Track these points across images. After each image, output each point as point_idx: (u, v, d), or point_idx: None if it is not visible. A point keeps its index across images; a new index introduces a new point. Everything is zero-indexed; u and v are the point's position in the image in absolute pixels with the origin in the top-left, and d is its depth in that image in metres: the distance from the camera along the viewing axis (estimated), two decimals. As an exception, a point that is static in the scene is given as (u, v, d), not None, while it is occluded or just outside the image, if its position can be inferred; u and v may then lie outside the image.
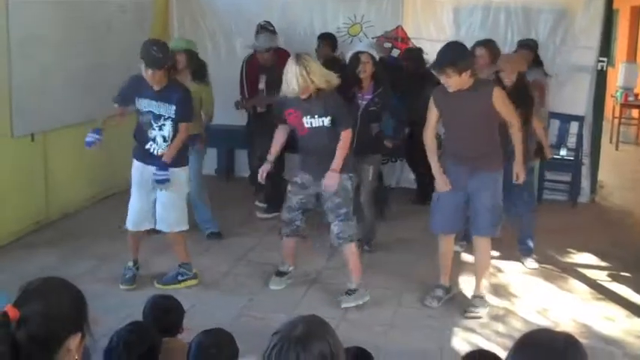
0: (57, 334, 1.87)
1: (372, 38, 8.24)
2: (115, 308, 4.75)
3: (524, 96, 5.50)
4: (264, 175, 5.32)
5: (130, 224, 5.41)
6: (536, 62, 7.29)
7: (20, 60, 6.14)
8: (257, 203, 7.41)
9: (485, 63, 6.01)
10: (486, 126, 4.93)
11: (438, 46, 7.82)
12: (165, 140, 5.20)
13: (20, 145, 6.31)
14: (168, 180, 5.15)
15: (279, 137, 5.38)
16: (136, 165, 5.36)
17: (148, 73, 5.02)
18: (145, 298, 3.60)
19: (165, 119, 5.17)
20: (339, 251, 5.37)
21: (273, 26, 7.56)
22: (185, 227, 5.44)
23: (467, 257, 6.11)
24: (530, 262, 6.09)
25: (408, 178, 8.33)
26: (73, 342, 1.90)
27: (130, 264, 5.50)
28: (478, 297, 5.20)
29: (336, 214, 5.15)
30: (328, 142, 5.05)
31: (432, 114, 5.05)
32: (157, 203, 5.31)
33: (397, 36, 8.26)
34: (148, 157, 5.26)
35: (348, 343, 2.93)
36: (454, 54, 4.83)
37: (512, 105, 5.01)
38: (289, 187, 5.30)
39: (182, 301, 3.58)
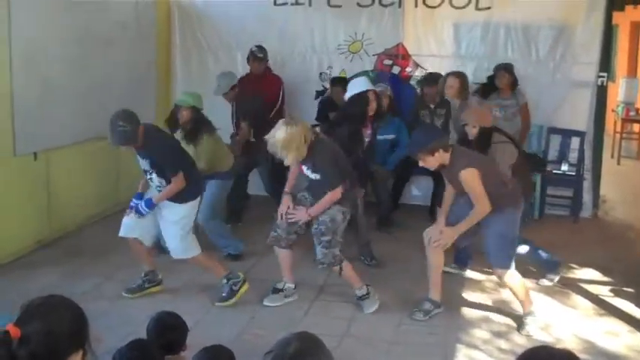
0: (58, 352, 1.88)
1: (373, 55, 8.28)
2: (117, 326, 4.75)
3: (487, 148, 5.58)
4: (285, 210, 5.36)
5: (122, 231, 5.51)
6: (515, 84, 7.59)
7: (23, 78, 6.17)
8: None
9: (454, 92, 6.76)
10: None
11: (439, 62, 8.09)
12: (158, 187, 5.36)
13: (23, 163, 6.33)
14: (143, 215, 5.37)
15: (295, 171, 5.46)
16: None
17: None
18: (149, 315, 3.61)
19: (150, 173, 5.33)
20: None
21: (263, 52, 7.64)
22: (196, 252, 5.48)
23: (472, 274, 6.11)
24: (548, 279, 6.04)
25: (411, 194, 8.35)
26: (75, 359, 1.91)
27: (142, 274, 5.61)
28: (526, 315, 5.18)
29: (319, 240, 5.27)
30: (325, 186, 5.26)
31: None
32: (165, 228, 5.45)
33: (398, 53, 8.30)
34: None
35: (350, 359, 2.94)
36: (423, 138, 5.01)
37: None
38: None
39: (185, 318, 3.59)
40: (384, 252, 6.53)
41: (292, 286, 5.58)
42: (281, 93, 7.90)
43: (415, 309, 5.30)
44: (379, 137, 6.84)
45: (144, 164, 5.31)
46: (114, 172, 7.84)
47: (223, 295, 5.48)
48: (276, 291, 5.54)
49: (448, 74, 7.01)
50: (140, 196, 5.40)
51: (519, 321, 5.15)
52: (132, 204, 5.42)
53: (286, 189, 5.47)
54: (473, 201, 4.94)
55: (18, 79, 6.12)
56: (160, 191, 5.32)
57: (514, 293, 5.22)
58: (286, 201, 5.38)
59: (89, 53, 7.09)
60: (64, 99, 6.74)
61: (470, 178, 4.89)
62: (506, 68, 7.57)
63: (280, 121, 5.06)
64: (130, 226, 5.46)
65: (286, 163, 5.14)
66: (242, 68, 8.06)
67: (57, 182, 6.84)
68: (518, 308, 5.48)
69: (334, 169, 5.21)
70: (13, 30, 6.02)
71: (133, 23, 7.90)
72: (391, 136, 7.43)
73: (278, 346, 1.89)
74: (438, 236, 5.11)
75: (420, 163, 5.00)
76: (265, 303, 5.47)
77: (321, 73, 8.48)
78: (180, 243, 5.38)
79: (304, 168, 5.26)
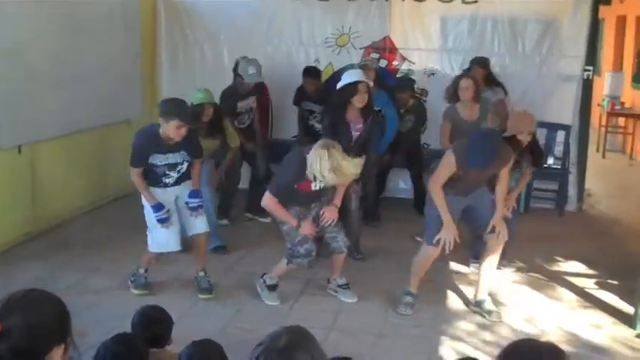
0: (40, 346, 1.87)
1: (360, 49, 8.28)
2: (103, 320, 4.74)
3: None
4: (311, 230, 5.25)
5: (168, 247, 5.38)
6: (490, 80, 7.38)
7: (6, 70, 6.12)
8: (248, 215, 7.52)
9: (471, 94, 6.34)
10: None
11: (425, 56, 8.10)
12: (178, 175, 5.35)
13: (7, 157, 6.30)
14: (201, 206, 5.46)
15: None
16: (154, 191, 5.31)
17: (180, 130, 5.07)
18: (133, 309, 3.60)
19: (181, 164, 5.32)
20: (332, 258, 5.47)
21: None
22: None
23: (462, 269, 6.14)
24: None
25: (397, 187, 8.37)
26: (57, 354, 1.91)
27: (142, 270, 5.54)
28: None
29: (338, 227, 5.34)
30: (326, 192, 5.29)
31: (447, 170, 4.99)
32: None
33: (385, 46, 8.30)
34: (165, 185, 5.35)
35: (337, 352, 2.95)
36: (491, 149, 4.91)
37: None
38: (288, 227, 5.22)
39: (170, 311, 3.59)
40: (369, 245, 6.54)
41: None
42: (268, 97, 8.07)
43: (400, 304, 5.30)
44: None
45: (175, 159, 5.25)
46: (101, 164, 7.81)
47: (207, 287, 5.52)
48: (273, 288, 5.44)
49: (461, 76, 6.64)
50: (160, 207, 5.26)
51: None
52: (163, 216, 5.24)
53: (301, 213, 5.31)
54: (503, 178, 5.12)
55: (1, 72, 6.07)
56: (174, 182, 5.32)
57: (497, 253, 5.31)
58: (308, 221, 5.24)
59: (74, 45, 7.04)
60: (48, 92, 6.69)
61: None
62: (479, 62, 7.46)
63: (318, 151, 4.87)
64: (167, 239, 5.35)
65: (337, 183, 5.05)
66: (228, 62, 7.99)
67: (42, 175, 6.80)
68: (503, 300, 5.52)
69: None
70: (-3, 22, 5.98)
71: (118, 15, 7.85)
72: (376, 109, 7.27)
73: (268, 339, 1.89)
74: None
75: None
76: (268, 302, 5.38)
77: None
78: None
79: (313, 184, 5.08)
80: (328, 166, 4.76)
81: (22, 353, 1.84)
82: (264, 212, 7.27)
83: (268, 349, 1.86)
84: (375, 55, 8.32)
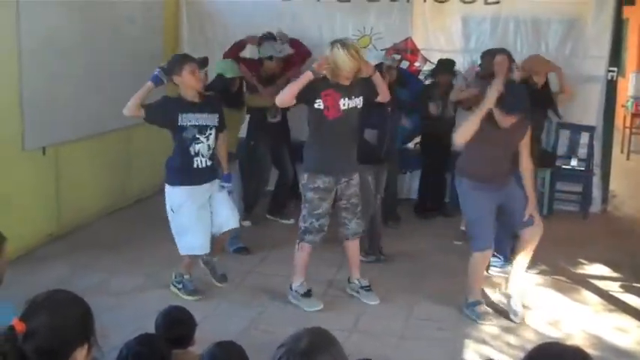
0: (63, 347, 1.88)
1: (382, 50, 8.25)
2: (125, 321, 4.76)
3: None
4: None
5: (201, 249, 5.37)
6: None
7: (31, 73, 6.18)
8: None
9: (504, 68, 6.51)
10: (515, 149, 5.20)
11: (447, 57, 8.05)
12: (209, 149, 5.26)
13: (31, 158, 6.34)
14: (232, 192, 5.57)
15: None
16: (187, 190, 5.24)
17: (196, 74, 5.13)
18: (156, 310, 3.61)
19: (210, 129, 5.23)
20: (347, 248, 5.46)
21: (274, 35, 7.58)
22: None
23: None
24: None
25: (413, 188, 8.31)
26: (80, 354, 1.92)
27: (187, 277, 5.51)
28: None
29: (354, 213, 5.31)
30: (355, 126, 5.24)
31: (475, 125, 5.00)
32: (221, 205, 5.41)
33: (407, 48, 8.27)
34: (197, 177, 5.25)
35: (359, 354, 2.94)
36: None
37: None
38: (312, 194, 5.18)
39: (193, 312, 3.59)
40: (389, 247, 6.50)
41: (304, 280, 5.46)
42: None
43: (487, 314, 5.22)
44: None
45: (205, 120, 5.20)
46: (124, 166, 7.85)
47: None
48: (308, 294, 5.38)
49: (495, 51, 7.06)
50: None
51: None
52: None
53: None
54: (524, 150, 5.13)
55: (27, 74, 6.13)
56: (204, 155, 5.24)
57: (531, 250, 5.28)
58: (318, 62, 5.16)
59: (98, 48, 7.09)
60: (73, 94, 6.74)
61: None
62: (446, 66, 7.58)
63: (349, 42, 5.03)
64: (206, 244, 5.35)
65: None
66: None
67: (66, 176, 6.84)
68: (528, 303, 5.47)
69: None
70: (22, 25, 6.03)
71: (141, 18, 7.90)
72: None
73: (290, 340, 1.88)
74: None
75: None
76: (308, 309, 5.29)
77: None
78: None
79: (342, 100, 5.07)
80: (345, 53, 4.88)
81: (47, 353, 1.85)
82: (286, 214, 7.34)
83: (290, 351, 1.85)
84: (397, 57, 8.26)
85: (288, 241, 6.47)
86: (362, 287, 5.48)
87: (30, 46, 6.14)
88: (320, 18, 8.43)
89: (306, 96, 5.06)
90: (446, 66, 7.61)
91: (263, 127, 7.18)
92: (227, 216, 5.42)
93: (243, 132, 7.02)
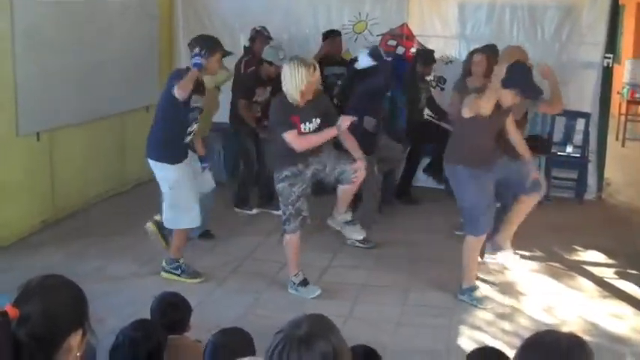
0: (57, 332, 1.88)
1: (377, 35, 8.22)
2: (121, 306, 4.76)
3: None
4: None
5: (198, 221, 5.52)
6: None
7: (25, 59, 6.14)
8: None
9: (482, 70, 6.52)
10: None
11: (443, 43, 8.04)
12: (197, 125, 5.49)
13: (26, 144, 6.31)
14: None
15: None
16: (181, 167, 5.36)
17: (220, 60, 5.40)
18: (151, 295, 3.60)
19: (201, 111, 5.44)
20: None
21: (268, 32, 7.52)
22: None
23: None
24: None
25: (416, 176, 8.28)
26: (74, 339, 1.91)
27: (182, 260, 5.54)
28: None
29: (343, 162, 5.28)
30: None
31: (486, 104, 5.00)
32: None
33: (402, 33, 8.22)
34: (185, 152, 5.42)
35: (355, 341, 2.92)
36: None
37: None
38: (282, 184, 5.18)
39: (189, 298, 3.59)
40: (385, 236, 6.51)
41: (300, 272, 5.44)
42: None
43: (484, 298, 5.28)
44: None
45: (201, 102, 5.36)
46: (119, 151, 7.83)
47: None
48: (305, 282, 5.37)
49: (474, 51, 6.95)
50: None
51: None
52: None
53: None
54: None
55: (20, 60, 6.09)
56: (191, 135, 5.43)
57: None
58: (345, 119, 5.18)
59: (92, 33, 7.04)
60: (67, 79, 6.71)
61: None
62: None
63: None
64: (189, 215, 5.44)
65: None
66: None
67: (60, 162, 6.82)
68: (523, 290, 5.48)
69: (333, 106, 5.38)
70: (15, 8, 5.98)
71: (136, 3, 7.85)
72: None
73: (288, 326, 1.87)
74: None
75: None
76: (310, 297, 5.27)
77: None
78: None
79: (302, 125, 5.09)
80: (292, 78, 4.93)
81: (41, 339, 1.84)
82: (274, 205, 7.29)
83: (288, 337, 1.84)
84: (393, 42, 8.25)
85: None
86: (346, 222, 5.49)
87: (24, 32, 6.10)
88: (315, 3, 8.40)
89: (285, 122, 5.10)
90: (425, 57, 7.67)
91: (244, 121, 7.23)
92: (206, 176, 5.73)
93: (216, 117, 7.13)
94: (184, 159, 5.37)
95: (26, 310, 1.85)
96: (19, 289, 1.91)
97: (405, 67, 7.77)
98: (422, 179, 8.17)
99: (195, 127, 5.38)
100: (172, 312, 3.42)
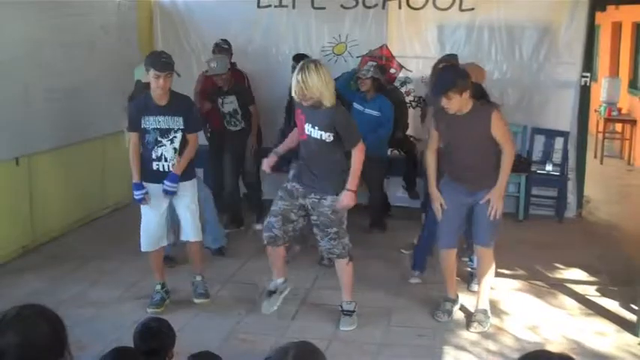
0: None
1: (357, 57, 8.26)
2: (103, 333, 4.71)
3: None
4: (270, 165, 5.18)
5: (148, 246, 5.35)
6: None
7: (2, 82, 6.10)
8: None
9: None
10: (485, 148, 4.95)
11: (423, 64, 8.08)
12: (175, 152, 5.21)
13: (4, 168, 6.27)
14: (175, 192, 5.24)
15: (293, 138, 5.26)
16: (147, 186, 5.25)
17: (158, 82, 5.02)
18: (135, 321, 3.57)
19: (175, 132, 5.18)
20: (327, 270, 5.37)
21: (227, 43, 7.50)
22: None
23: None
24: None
25: (395, 196, 8.30)
26: None
27: (158, 287, 5.43)
28: (482, 311, 5.21)
29: (324, 232, 5.00)
30: (325, 155, 4.92)
31: (434, 135, 5.10)
32: (184, 214, 5.35)
33: (382, 55, 8.28)
34: (155, 177, 5.21)
35: (339, 364, 2.93)
36: (454, 76, 4.87)
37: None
38: (278, 192, 5.13)
39: (170, 323, 3.55)
40: (363, 254, 6.47)
41: (282, 280, 5.26)
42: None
43: (438, 310, 5.31)
44: (366, 111, 7.07)
45: (167, 123, 5.14)
46: (99, 175, 7.78)
47: (202, 292, 5.50)
48: (270, 294, 5.22)
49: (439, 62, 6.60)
50: (140, 186, 5.19)
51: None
52: (140, 197, 5.19)
53: (278, 150, 5.24)
54: (502, 144, 4.87)
55: (-1, 84, 6.06)
56: (167, 159, 5.19)
57: (483, 271, 5.19)
58: (273, 158, 5.16)
59: (71, 57, 7.03)
60: (46, 103, 6.68)
61: (501, 118, 4.91)
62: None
63: (305, 66, 4.77)
64: (153, 241, 5.32)
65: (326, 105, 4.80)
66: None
67: (40, 187, 6.76)
68: (506, 309, 5.49)
69: (354, 126, 4.97)
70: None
71: (114, 26, 7.84)
72: (376, 113, 7.20)
73: (275, 353, 1.87)
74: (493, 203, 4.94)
75: (443, 103, 4.82)
76: (264, 311, 5.15)
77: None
78: (197, 222, 5.45)
79: (307, 125, 4.87)
80: (296, 77, 4.76)
81: None
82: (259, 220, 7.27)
83: (276, 364, 1.83)
84: (372, 64, 8.28)
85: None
86: (341, 310, 5.28)
87: (3, 56, 6.07)
88: (295, 25, 8.43)
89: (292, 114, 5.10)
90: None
91: (223, 135, 7.22)
92: (186, 227, 5.40)
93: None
94: (148, 181, 5.21)
95: (1, 344, 1.82)
96: None
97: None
98: (400, 199, 8.20)
99: (162, 150, 5.17)
100: (155, 339, 3.37)
